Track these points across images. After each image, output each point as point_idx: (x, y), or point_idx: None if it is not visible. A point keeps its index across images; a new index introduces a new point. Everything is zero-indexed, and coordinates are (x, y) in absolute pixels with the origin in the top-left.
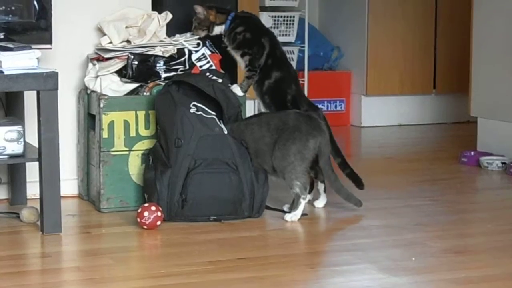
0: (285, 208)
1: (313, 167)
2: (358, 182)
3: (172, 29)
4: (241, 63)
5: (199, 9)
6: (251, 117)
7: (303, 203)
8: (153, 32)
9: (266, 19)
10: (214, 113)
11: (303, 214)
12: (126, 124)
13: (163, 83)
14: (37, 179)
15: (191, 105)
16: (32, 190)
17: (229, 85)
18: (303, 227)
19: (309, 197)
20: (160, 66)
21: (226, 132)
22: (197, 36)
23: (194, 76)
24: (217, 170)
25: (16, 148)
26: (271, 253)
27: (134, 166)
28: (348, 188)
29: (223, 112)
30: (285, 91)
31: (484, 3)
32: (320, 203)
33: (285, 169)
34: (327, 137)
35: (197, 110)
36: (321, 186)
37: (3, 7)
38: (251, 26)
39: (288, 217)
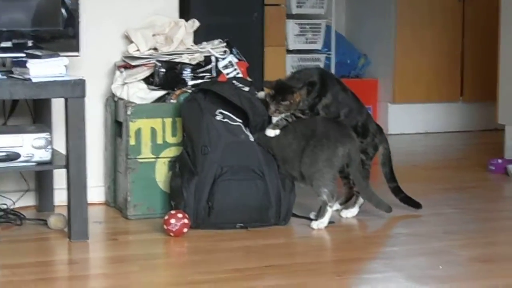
0: (312, 215)
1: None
2: (414, 204)
3: (199, 37)
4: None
5: (298, 99)
6: None
7: (330, 211)
8: (180, 40)
9: (292, 26)
10: (241, 121)
11: (330, 222)
12: (153, 131)
13: (190, 91)
14: (65, 186)
15: (217, 113)
16: (60, 197)
17: (255, 93)
18: (330, 234)
19: (337, 206)
20: (187, 73)
21: (252, 139)
22: (224, 44)
23: (220, 84)
24: (244, 177)
25: (44, 155)
26: (297, 261)
27: (161, 173)
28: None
29: (249, 120)
30: (355, 118)
31: (511, 11)
32: (349, 213)
33: (313, 175)
34: (356, 144)
35: (223, 118)
36: (360, 200)
37: (32, 15)
38: (336, 96)
39: (314, 224)
